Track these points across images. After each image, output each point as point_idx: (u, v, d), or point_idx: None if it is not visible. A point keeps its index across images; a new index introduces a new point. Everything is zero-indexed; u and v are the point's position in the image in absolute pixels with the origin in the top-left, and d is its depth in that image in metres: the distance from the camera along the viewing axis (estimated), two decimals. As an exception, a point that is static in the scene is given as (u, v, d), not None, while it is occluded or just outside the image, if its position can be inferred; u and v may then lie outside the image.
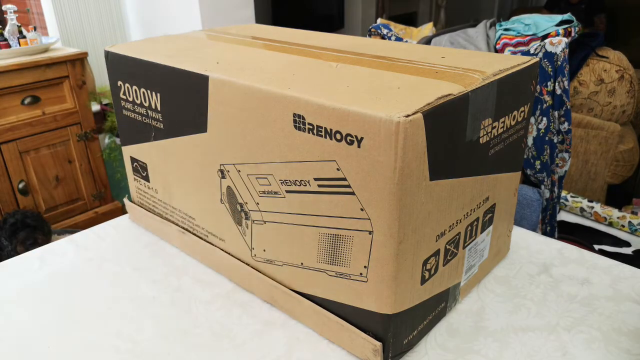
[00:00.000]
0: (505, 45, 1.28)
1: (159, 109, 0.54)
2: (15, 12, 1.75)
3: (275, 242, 0.48)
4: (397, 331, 0.43)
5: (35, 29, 1.80)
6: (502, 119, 0.45)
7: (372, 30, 1.44)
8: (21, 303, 0.54)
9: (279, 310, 0.51)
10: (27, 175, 1.78)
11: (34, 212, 1.68)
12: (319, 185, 0.41)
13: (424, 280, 0.43)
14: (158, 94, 0.53)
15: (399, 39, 1.42)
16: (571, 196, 1.60)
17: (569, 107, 1.15)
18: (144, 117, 0.57)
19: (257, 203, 0.48)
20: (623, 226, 1.49)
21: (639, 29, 3.39)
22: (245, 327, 0.49)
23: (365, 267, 0.41)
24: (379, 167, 0.36)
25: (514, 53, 1.24)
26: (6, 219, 1.58)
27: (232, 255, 0.54)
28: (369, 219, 0.39)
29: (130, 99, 0.58)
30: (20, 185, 1.76)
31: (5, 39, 1.72)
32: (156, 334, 0.49)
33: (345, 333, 0.45)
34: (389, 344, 0.43)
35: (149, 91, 0.54)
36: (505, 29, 1.31)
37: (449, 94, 0.37)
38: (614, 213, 1.51)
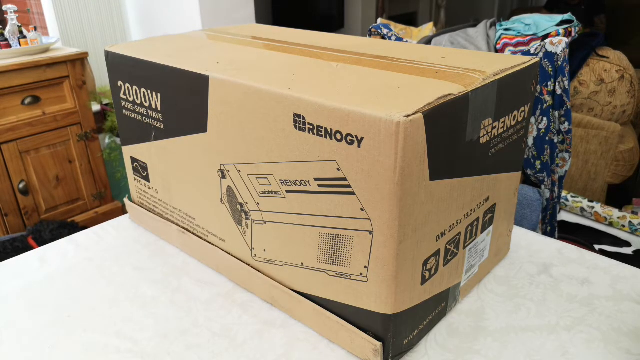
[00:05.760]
0: (506, 45, 1.27)
1: (159, 109, 0.54)
2: (15, 12, 1.75)
3: (276, 242, 0.48)
4: (397, 331, 0.43)
5: (35, 29, 1.80)
6: (503, 119, 0.45)
7: (372, 30, 1.43)
8: (21, 303, 0.54)
9: (279, 310, 0.51)
10: (27, 175, 1.78)
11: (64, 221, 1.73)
12: (319, 185, 0.41)
13: (424, 281, 0.43)
14: (158, 94, 0.53)
15: (399, 39, 1.42)
16: (571, 196, 1.59)
17: (569, 107, 1.14)
18: (144, 117, 0.57)
19: (258, 203, 0.48)
20: (623, 226, 1.49)
21: (639, 29, 3.39)
22: (245, 327, 0.49)
23: (365, 267, 0.41)
24: (379, 167, 0.36)
25: (515, 53, 1.24)
26: (40, 230, 1.61)
27: (232, 255, 0.54)
28: (369, 219, 0.39)
29: (131, 99, 0.58)
30: (21, 185, 1.76)
31: (6, 39, 1.72)
32: (156, 334, 0.49)
33: (345, 333, 0.45)
34: (389, 344, 0.43)
35: (149, 91, 0.54)
36: (506, 29, 1.31)
37: (449, 94, 0.37)
38: (614, 213, 1.51)
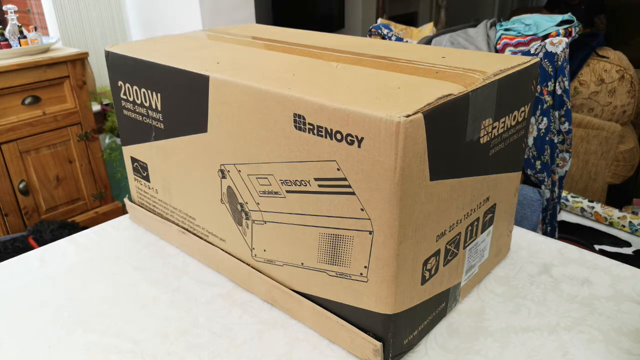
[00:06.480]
0: (506, 45, 1.27)
1: (159, 109, 0.54)
2: (15, 12, 1.75)
3: (276, 242, 0.48)
4: (397, 331, 0.43)
5: (35, 29, 1.80)
6: (503, 119, 0.45)
7: (373, 30, 1.43)
8: (21, 303, 0.54)
9: (279, 310, 0.51)
10: (27, 175, 1.78)
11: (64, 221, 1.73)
12: (319, 185, 0.41)
13: (424, 281, 0.43)
14: (158, 94, 0.53)
15: (399, 39, 1.42)
16: (572, 196, 1.59)
17: (569, 107, 1.14)
18: (144, 117, 0.57)
19: (258, 203, 0.48)
20: (623, 226, 1.49)
21: (639, 29, 3.39)
22: (245, 327, 0.49)
23: (365, 267, 0.41)
24: (379, 167, 0.36)
25: (515, 53, 1.24)
26: (40, 230, 1.61)
27: (232, 255, 0.54)
28: (369, 219, 0.39)
29: (131, 99, 0.58)
30: (21, 185, 1.76)
31: (6, 39, 1.72)
32: (156, 334, 0.49)
33: (345, 333, 0.45)
34: (389, 344, 0.43)
35: (149, 91, 0.54)
36: (506, 29, 1.31)
37: (450, 94, 0.37)
38: (615, 213, 1.51)
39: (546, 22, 1.25)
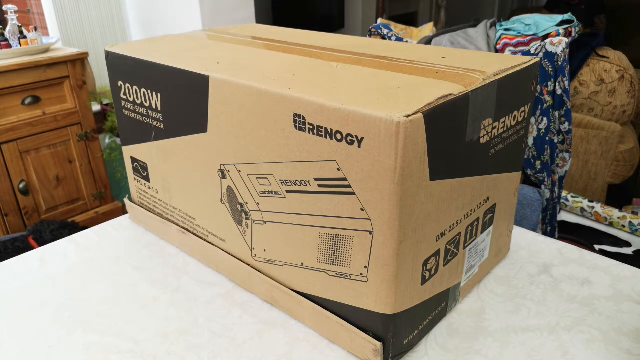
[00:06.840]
0: (506, 45, 1.27)
1: (159, 109, 0.54)
2: (15, 12, 1.75)
3: (276, 242, 0.48)
4: (397, 331, 0.43)
5: (35, 29, 1.80)
6: (503, 119, 0.45)
7: (373, 30, 1.43)
8: (21, 303, 0.54)
9: (279, 310, 0.51)
10: (27, 175, 1.78)
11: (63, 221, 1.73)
12: (320, 186, 0.41)
13: (424, 281, 0.43)
14: (158, 94, 0.53)
15: (399, 39, 1.42)
16: (572, 196, 1.59)
17: (569, 107, 1.14)
18: (144, 117, 0.57)
19: (258, 203, 0.48)
20: (623, 226, 1.49)
21: (639, 29, 3.39)
22: (245, 327, 0.49)
23: (365, 267, 0.41)
24: (380, 167, 0.36)
25: (515, 53, 1.24)
26: (40, 231, 1.61)
27: (232, 255, 0.54)
28: (369, 219, 0.39)
29: (131, 99, 0.58)
30: (21, 185, 1.76)
31: (6, 39, 1.72)
32: (156, 334, 0.49)
33: (345, 333, 0.45)
34: (389, 344, 0.43)
35: (149, 91, 0.54)
36: (506, 29, 1.31)
37: (450, 94, 0.37)
38: (615, 213, 1.51)
39: (546, 22, 1.25)
